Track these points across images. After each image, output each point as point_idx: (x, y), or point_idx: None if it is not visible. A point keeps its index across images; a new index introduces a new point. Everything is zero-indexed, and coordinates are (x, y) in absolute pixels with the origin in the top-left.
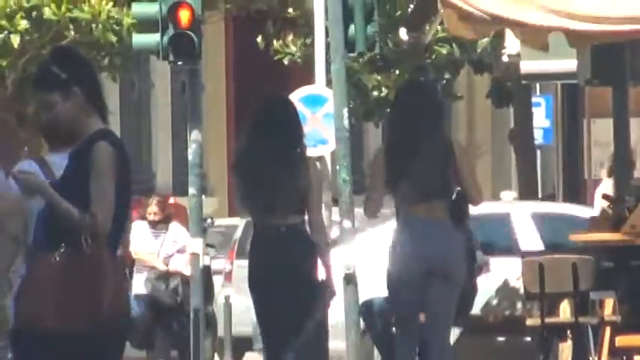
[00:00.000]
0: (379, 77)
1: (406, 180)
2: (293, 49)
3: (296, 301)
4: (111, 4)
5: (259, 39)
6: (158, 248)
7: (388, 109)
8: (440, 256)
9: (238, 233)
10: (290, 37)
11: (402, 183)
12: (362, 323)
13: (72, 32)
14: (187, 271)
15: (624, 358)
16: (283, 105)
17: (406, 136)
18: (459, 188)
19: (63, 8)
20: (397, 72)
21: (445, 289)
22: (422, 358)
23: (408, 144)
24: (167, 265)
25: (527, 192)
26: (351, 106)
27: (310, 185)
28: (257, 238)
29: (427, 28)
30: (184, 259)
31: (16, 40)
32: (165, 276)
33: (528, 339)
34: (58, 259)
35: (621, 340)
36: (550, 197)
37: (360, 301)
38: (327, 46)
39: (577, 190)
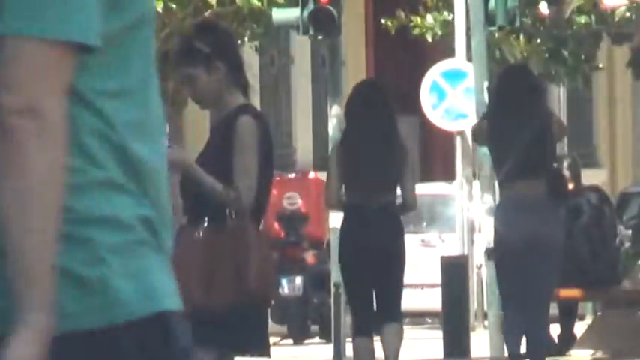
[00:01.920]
0: (519, 45)
1: (506, 157)
2: (431, 21)
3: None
4: None
5: (388, 22)
6: None
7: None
8: (537, 233)
9: None
10: (426, 13)
11: (503, 159)
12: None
13: (214, 3)
14: None
15: None
16: (378, 89)
17: (506, 116)
18: (556, 165)
19: None
20: (538, 40)
21: (542, 265)
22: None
23: (507, 123)
24: None
25: None
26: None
27: (405, 164)
28: (351, 217)
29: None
30: None
31: (159, 4)
32: None
33: None
34: (201, 234)
35: None
36: None
37: None
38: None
39: None
